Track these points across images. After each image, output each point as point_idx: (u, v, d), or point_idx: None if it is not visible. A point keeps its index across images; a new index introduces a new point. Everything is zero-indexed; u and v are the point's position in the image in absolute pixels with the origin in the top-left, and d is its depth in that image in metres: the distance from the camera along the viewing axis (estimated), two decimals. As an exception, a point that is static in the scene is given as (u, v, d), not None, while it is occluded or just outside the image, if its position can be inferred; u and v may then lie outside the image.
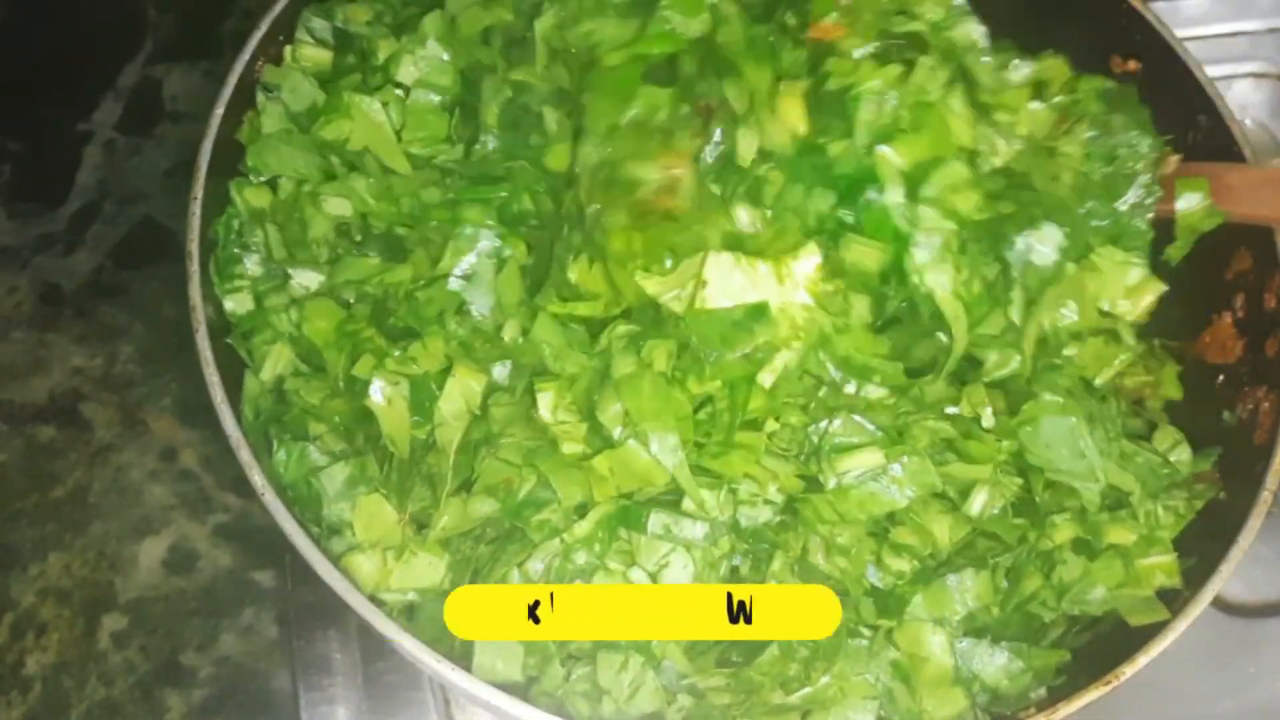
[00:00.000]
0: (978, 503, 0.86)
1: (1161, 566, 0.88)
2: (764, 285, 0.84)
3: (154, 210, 1.50)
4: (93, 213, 1.50)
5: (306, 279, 0.92)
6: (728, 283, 0.83)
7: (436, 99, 0.96)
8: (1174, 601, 0.86)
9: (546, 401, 0.84)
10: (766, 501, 0.84)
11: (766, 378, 0.84)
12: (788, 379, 0.85)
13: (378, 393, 0.85)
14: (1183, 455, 0.93)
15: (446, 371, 0.86)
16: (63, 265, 1.46)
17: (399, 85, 0.97)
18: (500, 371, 0.88)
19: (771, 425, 0.85)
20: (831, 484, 0.84)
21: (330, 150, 0.95)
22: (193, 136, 0.92)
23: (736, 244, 0.87)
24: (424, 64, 0.97)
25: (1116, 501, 0.90)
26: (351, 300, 0.91)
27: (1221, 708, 1.10)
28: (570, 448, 0.83)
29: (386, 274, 0.90)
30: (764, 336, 0.83)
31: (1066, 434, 0.86)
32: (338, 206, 0.92)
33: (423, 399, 0.85)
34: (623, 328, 0.86)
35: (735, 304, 0.83)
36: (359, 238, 0.93)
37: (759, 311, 0.83)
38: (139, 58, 1.61)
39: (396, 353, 0.86)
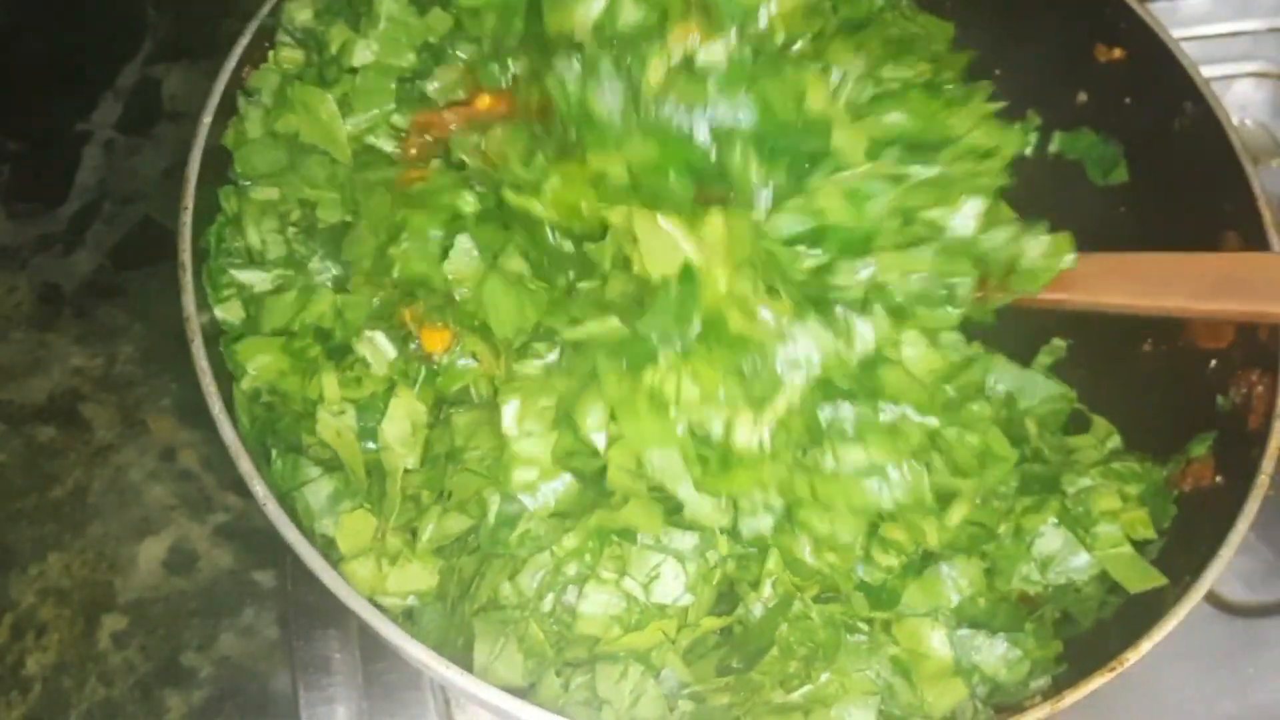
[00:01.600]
0: (956, 515, 0.85)
1: (1137, 519, 0.89)
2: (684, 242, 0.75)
3: (153, 210, 1.50)
4: (92, 213, 1.50)
5: (249, 278, 0.90)
6: (654, 243, 0.75)
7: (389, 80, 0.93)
8: (1174, 589, 0.86)
9: (512, 413, 0.80)
10: (766, 508, 0.82)
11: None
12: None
13: (325, 428, 0.84)
14: (1115, 443, 0.95)
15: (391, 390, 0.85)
16: (62, 265, 1.46)
17: (354, 71, 0.94)
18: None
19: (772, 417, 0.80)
20: (828, 465, 0.79)
21: (291, 146, 0.93)
22: (192, 137, 0.92)
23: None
24: (377, 45, 0.94)
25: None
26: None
27: (1221, 708, 1.10)
28: (524, 475, 0.79)
29: (304, 312, 0.88)
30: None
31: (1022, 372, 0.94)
32: (265, 194, 0.91)
33: (373, 421, 0.85)
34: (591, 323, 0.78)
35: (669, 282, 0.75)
36: (302, 235, 0.91)
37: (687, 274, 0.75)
38: (138, 58, 1.61)
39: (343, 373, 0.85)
